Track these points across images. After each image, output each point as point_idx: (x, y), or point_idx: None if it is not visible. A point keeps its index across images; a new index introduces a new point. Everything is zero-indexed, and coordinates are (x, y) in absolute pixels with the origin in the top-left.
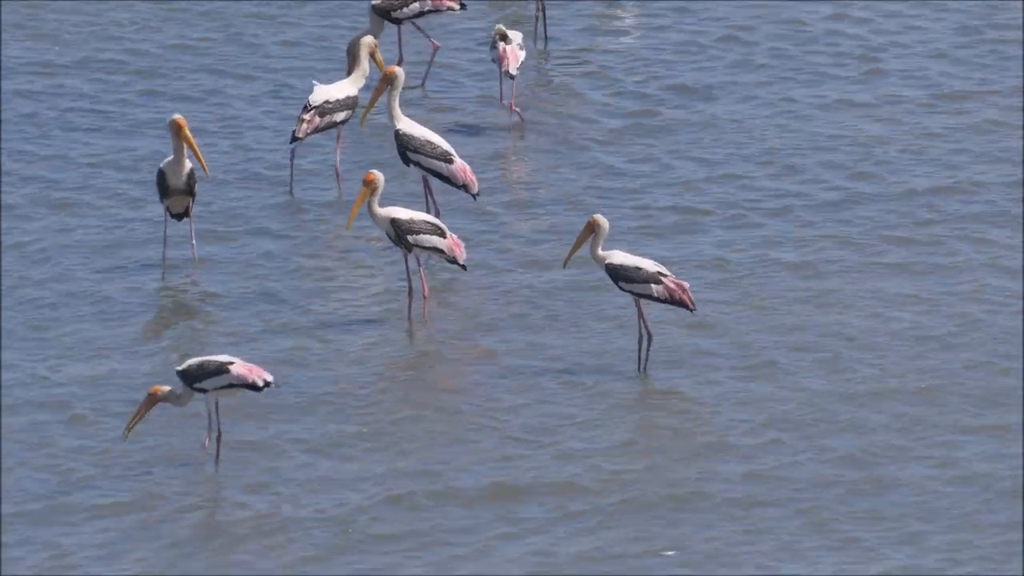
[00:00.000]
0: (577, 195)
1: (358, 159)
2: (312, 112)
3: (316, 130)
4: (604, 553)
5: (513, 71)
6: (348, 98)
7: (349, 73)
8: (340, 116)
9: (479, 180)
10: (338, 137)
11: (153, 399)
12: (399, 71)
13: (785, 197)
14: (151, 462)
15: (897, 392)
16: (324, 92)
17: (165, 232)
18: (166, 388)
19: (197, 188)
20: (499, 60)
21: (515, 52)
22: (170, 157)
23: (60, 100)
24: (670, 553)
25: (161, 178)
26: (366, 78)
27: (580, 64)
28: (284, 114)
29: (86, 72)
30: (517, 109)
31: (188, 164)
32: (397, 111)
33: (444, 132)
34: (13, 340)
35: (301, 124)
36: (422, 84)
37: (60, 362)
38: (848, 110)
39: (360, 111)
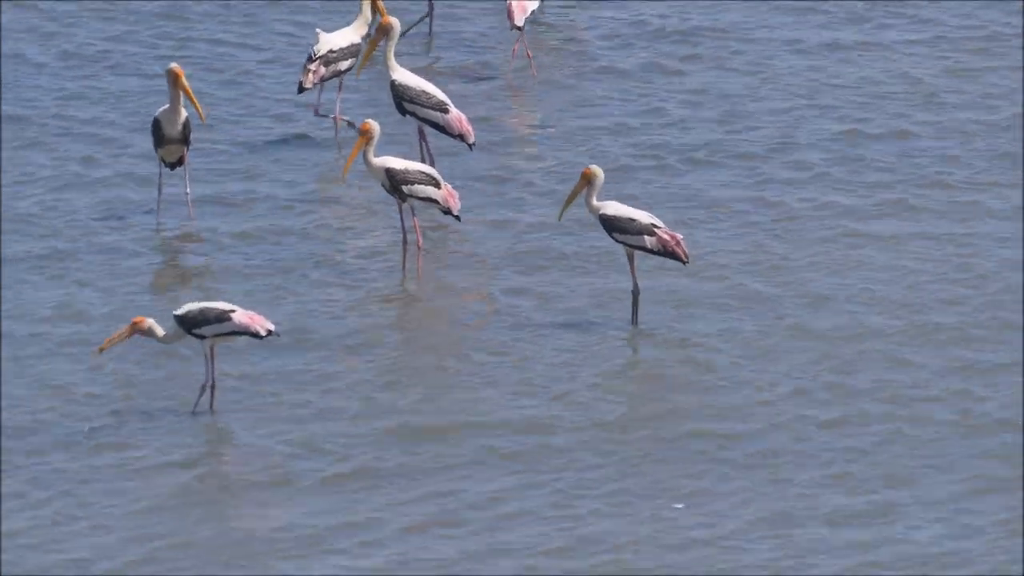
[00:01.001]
0: (575, 145)
1: (362, 110)
2: (317, 62)
3: (322, 80)
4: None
5: (519, 22)
6: (352, 46)
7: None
8: (344, 64)
9: (476, 129)
10: (340, 87)
11: (135, 327)
12: (395, 22)
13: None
14: (147, 409)
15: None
16: (328, 41)
17: (160, 181)
18: (151, 322)
19: (192, 137)
20: (509, 14)
21: (522, 4)
22: (165, 106)
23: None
24: (678, 506)
25: (156, 127)
26: (368, 25)
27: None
28: (288, 62)
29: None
30: (530, 54)
31: (184, 113)
32: (392, 61)
33: (448, 81)
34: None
35: (307, 74)
36: (428, 31)
37: (54, 313)
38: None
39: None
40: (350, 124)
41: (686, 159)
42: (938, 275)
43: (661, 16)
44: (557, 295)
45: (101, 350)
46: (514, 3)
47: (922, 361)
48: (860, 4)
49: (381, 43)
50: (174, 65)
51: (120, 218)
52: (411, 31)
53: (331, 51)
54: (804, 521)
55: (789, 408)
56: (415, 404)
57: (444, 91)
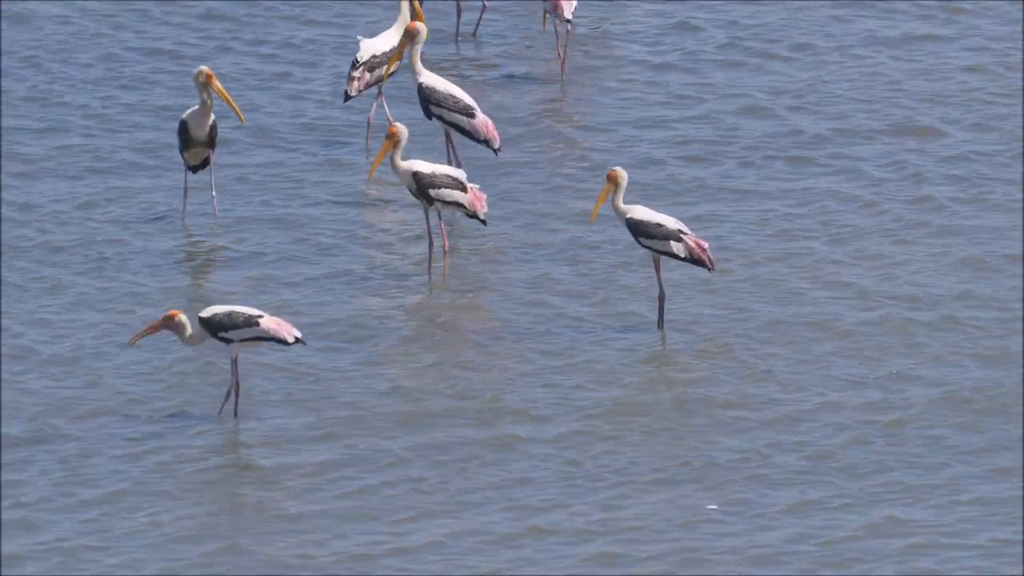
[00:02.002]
0: (604, 151)
1: (395, 112)
2: (361, 68)
3: (367, 86)
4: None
5: (569, 15)
6: (393, 49)
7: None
8: (388, 69)
9: (503, 134)
10: (379, 92)
11: (168, 321)
12: (421, 26)
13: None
14: (169, 412)
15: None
16: (370, 47)
17: (185, 183)
18: (183, 317)
19: (217, 140)
20: (554, 8)
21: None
22: (194, 108)
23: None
24: (712, 507)
25: (183, 129)
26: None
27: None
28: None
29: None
30: (561, 54)
31: (212, 116)
32: (419, 65)
33: (479, 85)
34: (26, 293)
35: (352, 82)
36: (474, 32)
37: (76, 315)
38: None
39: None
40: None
41: (722, 154)
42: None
43: (691, 15)
44: (583, 294)
45: (132, 342)
46: None
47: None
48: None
49: (407, 48)
50: (205, 67)
51: (147, 220)
52: (460, 30)
53: (374, 56)
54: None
55: (833, 413)
56: (442, 401)
57: (477, 89)
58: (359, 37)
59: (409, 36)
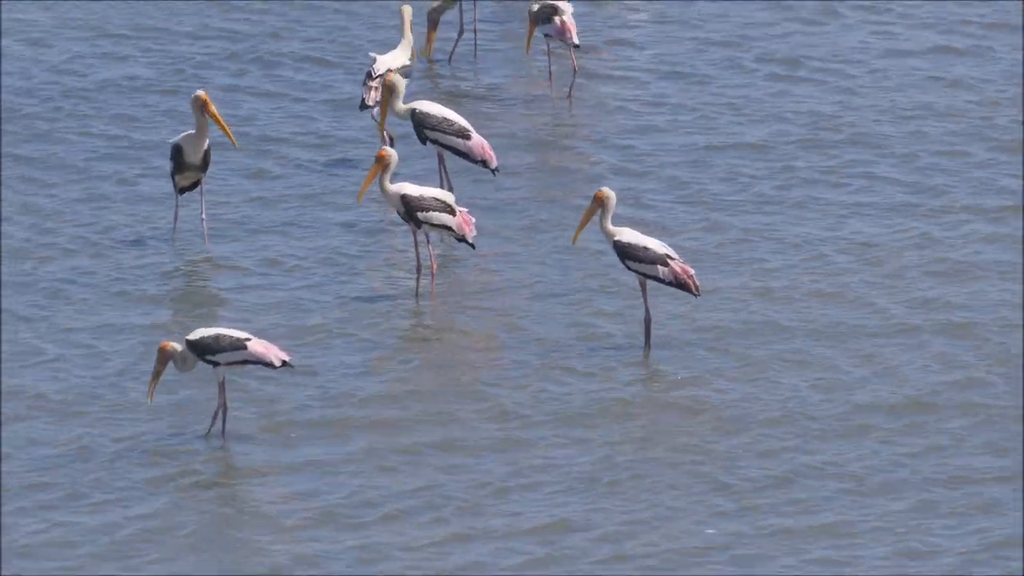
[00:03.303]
0: (594, 174)
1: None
2: (378, 79)
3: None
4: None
5: (577, 40)
6: (404, 67)
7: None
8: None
9: (500, 156)
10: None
11: (164, 355)
12: (397, 79)
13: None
14: (156, 435)
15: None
16: (384, 61)
17: (176, 206)
18: (176, 345)
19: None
20: (560, 32)
21: (573, 22)
22: (188, 132)
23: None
24: (710, 531)
25: (177, 153)
26: (412, 46)
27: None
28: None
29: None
30: (552, 72)
31: (207, 141)
32: (400, 105)
33: (477, 101)
34: (18, 318)
35: (370, 91)
36: (448, 59)
37: (65, 337)
38: None
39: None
40: (391, 140)
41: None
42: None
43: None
44: (571, 319)
45: (151, 393)
46: (566, 20)
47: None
48: (927, 27)
49: (389, 102)
50: (201, 92)
51: (135, 241)
52: (455, 51)
53: (389, 70)
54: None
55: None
56: (428, 429)
57: (479, 111)
58: (372, 54)
59: (388, 90)
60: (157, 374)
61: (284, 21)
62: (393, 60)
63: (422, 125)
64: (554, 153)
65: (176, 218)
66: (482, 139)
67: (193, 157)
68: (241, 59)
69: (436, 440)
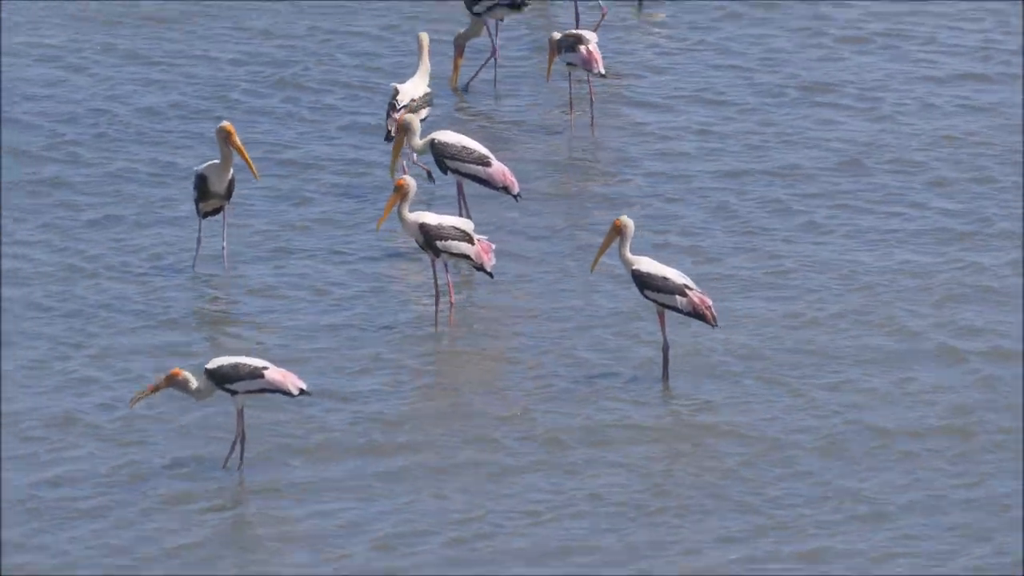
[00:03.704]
0: (619, 199)
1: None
2: (402, 111)
3: None
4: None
5: (603, 70)
6: (426, 95)
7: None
8: (423, 113)
9: (520, 182)
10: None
11: (171, 380)
12: (411, 118)
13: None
14: (173, 465)
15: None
16: (407, 91)
17: (200, 231)
18: (187, 374)
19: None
20: (586, 62)
21: (598, 51)
22: (213, 161)
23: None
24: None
25: (202, 182)
26: (429, 74)
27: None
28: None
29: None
30: (573, 105)
31: (232, 171)
32: (418, 141)
33: (497, 137)
34: (36, 339)
35: (395, 123)
36: (465, 87)
37: (88, 360)
38: None
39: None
40: (429, 175)
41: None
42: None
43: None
44: (591, 344)
45: (133, 404)
46: (592, 49)
47: None
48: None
49: (404, 140)
50: (226, 123)
51: (158, 266)
52: (476, 77)
53: (412, 100)
54: None
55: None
56: (444, 459)
57: (500, 138)
58: (393, 84)
59: (402, 130)
60: (152, 390)
61: (312, 45)
62: (414, 89)
63: (442, 155)
64: (575, 180)
65: (199, 243)
66: (503, 165)
67: (217, 186)
68: (268, 83)
69: (458, 463)
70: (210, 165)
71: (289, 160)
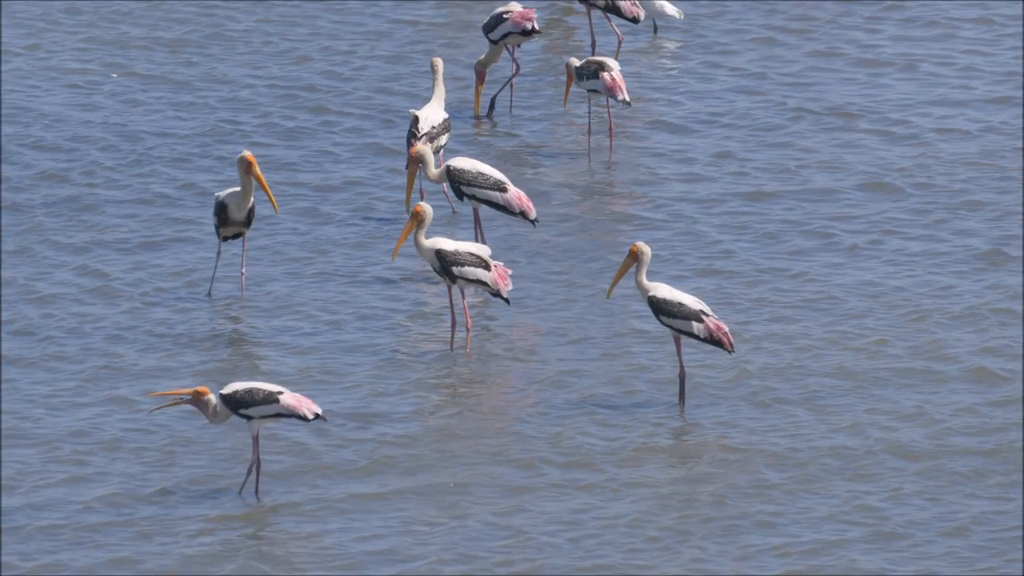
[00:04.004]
0: (624, 226)
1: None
2: (423, 138)
3: None
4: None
5: (628, 97)
6: (445, 121)
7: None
8: (443, 140)
9: (537, 207)
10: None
11: (197, 397)
12: (424, 149)
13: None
14: (189, 489)
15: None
16: (427, 118)
17: (219, 251)
18: (212, 396)
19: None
20: (610, 89)
21: (622, 78)
22: (234, 189)
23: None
24: None
25: (222, 209)
26: (444, 97)
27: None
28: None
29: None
30: (590, 132)
31: (252, 199)
32: (435, 172)
33: (517, 163)
34: (57, 359)
35: None
36: (487, 113)
37: (106, 383)
38: None
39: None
40: (453, 209)
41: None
42: None
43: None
44: (605, 375)
45: (155, 410)
46: (615, 76)
47: None
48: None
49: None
50: (247, 153)
51: (176, 288)
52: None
53: (432, 127)
54: None
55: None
56: (463, 485)
57: (518, 163)
58: (412, 110)
59: (416, 162)
60: (175, 403)
61: (332, 67)
62: (434, 115)
63: (458, 181)
64: (593, 204)
65: (216, 267)
66: (519, 191)
67: (237, 214)
68: (289, 106)
69: (476, 486)
70: (231, 193)
71: (308, 182)
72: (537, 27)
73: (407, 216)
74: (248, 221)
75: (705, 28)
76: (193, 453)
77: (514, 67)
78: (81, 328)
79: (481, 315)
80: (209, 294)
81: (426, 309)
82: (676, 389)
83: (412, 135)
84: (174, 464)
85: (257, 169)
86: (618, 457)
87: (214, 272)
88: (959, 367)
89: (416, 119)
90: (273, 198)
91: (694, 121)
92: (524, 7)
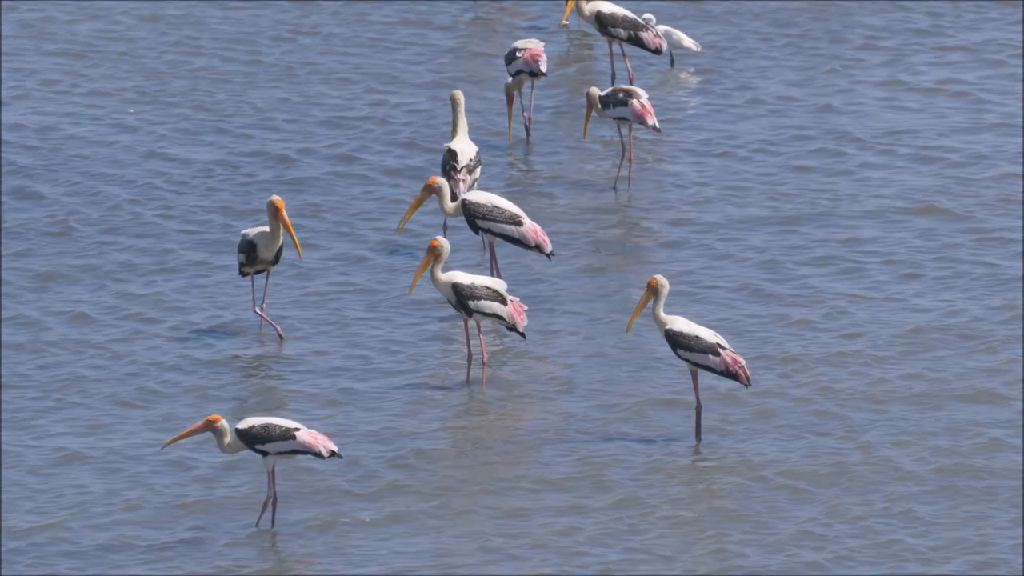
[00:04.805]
0: (642, 260)
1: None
2: (463, 171)
3: (469, 186)
4: None
5: (657, 123)
6: (477, 154)
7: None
8: (477, 172)
9: (555, 239)
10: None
11: (209, 425)
12: (441, 181)
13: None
14: (204, 524)
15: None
16: (465, 151)
17: (253, 290)
18: (225, 423)
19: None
20: (639, 116)
21: (650, 105)
22: (263, 229)
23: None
24: None
25: (250, 248)
26: (466, 129)
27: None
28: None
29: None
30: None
31: (281, 240)
32: (451, 205)
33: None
34: (79, 382)
35: (459, 184)
36: (527, 144)
37: (124, 412)
38: None
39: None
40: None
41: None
42: None
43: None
44: (621, 408)
45: (167, 445)
46: (644, 103)
47: None
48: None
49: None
50: (276, 198)
51: (193, 324)
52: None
53: (470, 160)
54: None
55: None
56: (478, 520)
57: (536, 195)
58: (446, 145)
59: (428, 191)
60: (188, 433)
61: (358, 105)
62: (468, 148)
63: (473, 215)
64: (611, 236)
65: (254, 298)
66: (534, 224)
67: (266, 254)
68: (318, 141)
69: (494, 525)
70: (261, 233)
71: (333, 216)
72: (543, 70)
73: (398, 237)
74: (276, 259)
75: (722, 60)
76: (208, 486)
77: (529, 107)
78: (110, 365)
79: (498, 349)
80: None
81: (442, 345)
82: (695, 420)
83: (452, 168)
84: (187, 496)
85: (284, 214)
86: (637, 485)
87: (254, 306)
88: (984, 392)
89: (454, 152)
90: (298, 243)
91: (712, 152)
92: (539, 43)
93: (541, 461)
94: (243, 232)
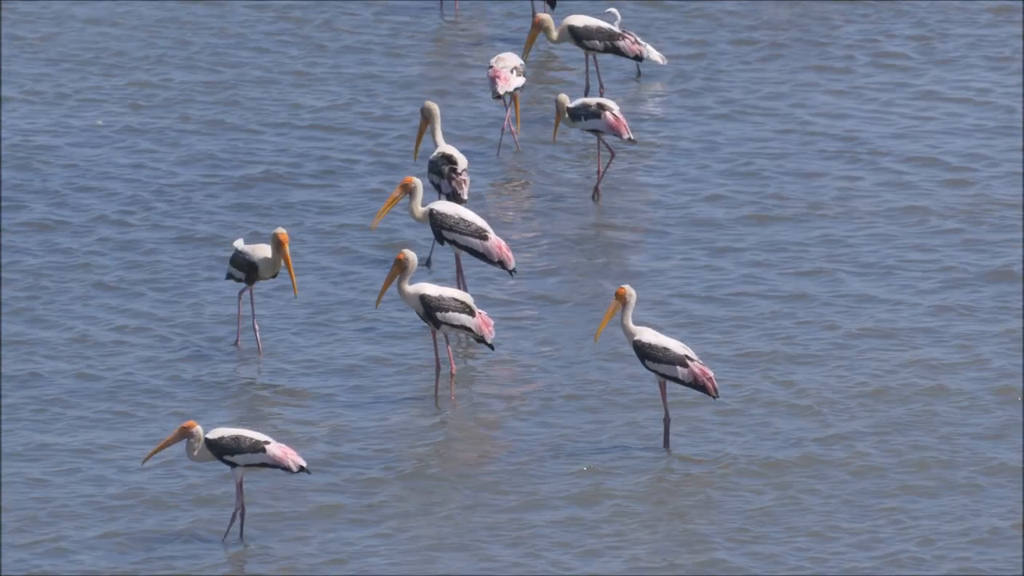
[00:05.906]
0: (612, 273)
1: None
2: (464, 172)
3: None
4: None
5: (631, 135)
6: (465, 161)
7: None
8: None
9: (525, 251)
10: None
11: (184, 432)
12: (417, 181)
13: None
14: (174, 536)
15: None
16: (461, 157)
17: (247, 307)
18: (199, 430)
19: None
20: (613, 128)
21: (623, 117)
22: (265, 255)
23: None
24: None
25: (252, 268)
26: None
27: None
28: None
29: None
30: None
31: (282, 263)
32: (420, 210)
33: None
34: (48, 414)
35: (463, 186)
36: (497, 153)
37: (114, 423)
38: None
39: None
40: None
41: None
42: None
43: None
44: (591, 421)
45: (145, 460)
46: (618, 115)
47: None
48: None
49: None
50: (281, 232)
51: (181, 335)
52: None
53: (465, 167)
54: None
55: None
56: (445, 534)
57: (509, 207)
58: (441, 152)
59: (403, 189)
60: (166, 444)
61: (357, 122)
62: (457, 152)
63: (440, 226)
64: (583, 248)
65: (240, 314)
66: (499, 239)
67: (266, 274)
68: (316, 157)
69: (452, 553)
70: (264, 259)
71: (324, 230)
72: (500, 92)
73: (372, 231)
74: (275, 275)
75: (689, 71)
76: (176, 500)
77: (508, 119)
78: (106, 376)
79: (466, 360)
80: (236, 343)
81: (408, 355)
82: (663, 430)
83: (453, 170)
84: (158, 512)
85: (287, 250)
86: (611, 495)
87: (243, 321)
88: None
89: (450, 156)
90: (295, 280)
91: (686, 160)
92: (514, 59)
93: (512, 479)
94: (237, 247)
